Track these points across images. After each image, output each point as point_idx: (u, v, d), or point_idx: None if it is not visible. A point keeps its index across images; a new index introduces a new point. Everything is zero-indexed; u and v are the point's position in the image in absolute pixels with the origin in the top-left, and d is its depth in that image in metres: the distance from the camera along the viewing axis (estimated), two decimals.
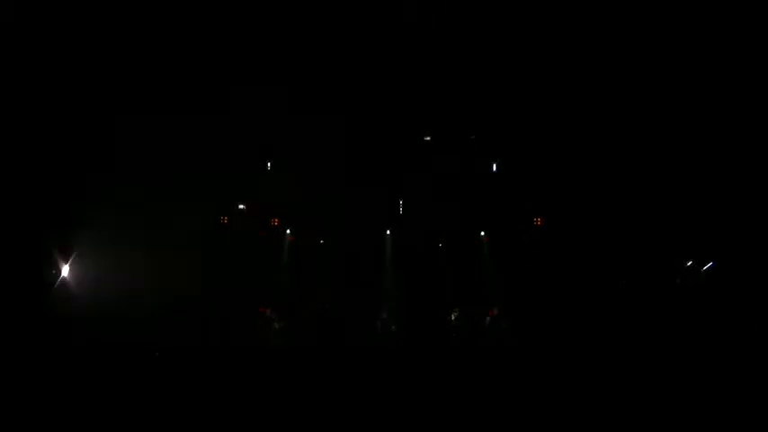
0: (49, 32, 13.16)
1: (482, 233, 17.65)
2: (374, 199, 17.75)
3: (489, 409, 10.73)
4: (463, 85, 15.45)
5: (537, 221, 17.31)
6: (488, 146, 17.11)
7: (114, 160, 15.83)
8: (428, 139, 16.90)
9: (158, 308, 16.05)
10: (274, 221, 17.68)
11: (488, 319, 16.69)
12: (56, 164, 14.61)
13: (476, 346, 15.68)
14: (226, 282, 17.28)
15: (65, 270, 15.01)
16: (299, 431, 10.16)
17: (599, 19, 13.68)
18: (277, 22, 14.09)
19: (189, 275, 16.56)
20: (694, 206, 14.87)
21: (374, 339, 16.15)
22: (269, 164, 17.84)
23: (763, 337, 12.63)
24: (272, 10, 13.82)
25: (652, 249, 15.94)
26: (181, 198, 16.80)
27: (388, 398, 11.09)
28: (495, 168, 17.62)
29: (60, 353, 12.70)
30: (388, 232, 17.72)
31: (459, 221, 17.59)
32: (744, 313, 12.95)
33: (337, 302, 17.09)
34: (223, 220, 17.80)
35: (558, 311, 15.94)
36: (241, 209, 18.07)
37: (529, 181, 17.53)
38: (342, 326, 16.85)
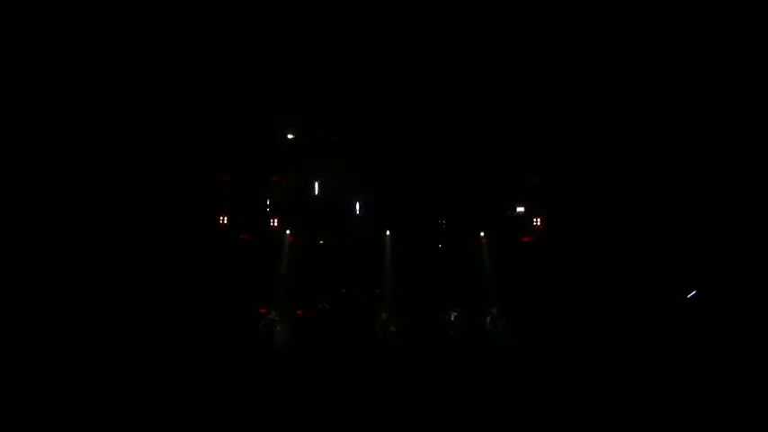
0: None
1: (482, 233, 17.66)
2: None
3: (489, 410, 10.75)
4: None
5: (537, 223, 17.33)
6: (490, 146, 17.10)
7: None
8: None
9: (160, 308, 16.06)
10: (275, 222, 17.65)
11: (488, 319, 16.66)
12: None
13: (475, 347, 15.67)
14: (226, 282, 17.28)
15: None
16: (300, 431, 10.18)
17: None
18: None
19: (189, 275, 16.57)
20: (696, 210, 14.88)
21: (373, 340, 16.12)
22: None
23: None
24: None
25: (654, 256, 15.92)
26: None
27: (387, 398, 11.11)
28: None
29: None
30: (387, 232, 17.69)
31: (459, 221, 17.59)
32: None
33: (336, 303, 17.11)
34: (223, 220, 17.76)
35: (559, 312, 15.93)
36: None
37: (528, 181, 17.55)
38: (341, 327, 16.83)
